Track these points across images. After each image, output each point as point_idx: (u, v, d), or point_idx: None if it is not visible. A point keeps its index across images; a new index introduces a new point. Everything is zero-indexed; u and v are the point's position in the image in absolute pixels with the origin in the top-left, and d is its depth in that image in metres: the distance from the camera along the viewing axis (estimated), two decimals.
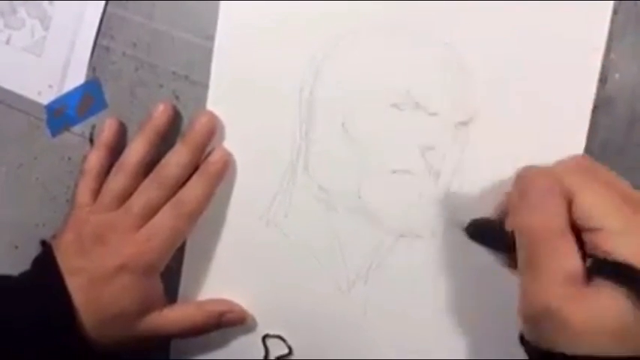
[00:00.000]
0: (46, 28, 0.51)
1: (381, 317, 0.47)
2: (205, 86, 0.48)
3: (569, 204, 0.34)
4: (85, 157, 0.49)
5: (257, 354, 0.49)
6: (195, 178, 0.47)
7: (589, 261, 0.33)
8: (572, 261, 0.33)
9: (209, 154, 0.47)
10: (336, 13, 0.44)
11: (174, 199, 0.46)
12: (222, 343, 0.50)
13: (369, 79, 0.44)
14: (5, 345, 0.43)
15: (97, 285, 0.45)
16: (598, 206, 0.33)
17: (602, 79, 0.42)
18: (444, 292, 0.45)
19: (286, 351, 0.49)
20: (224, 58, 0.47)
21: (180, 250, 0.48)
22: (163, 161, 0.47)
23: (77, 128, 0.52)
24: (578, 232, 0.34)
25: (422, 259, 0.45)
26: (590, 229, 0.33)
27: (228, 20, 0.47)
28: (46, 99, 0.52)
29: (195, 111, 0.48)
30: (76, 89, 0.51)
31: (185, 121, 0.49)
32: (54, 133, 0.52)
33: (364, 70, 0.44)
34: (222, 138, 0.48)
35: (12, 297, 0.45)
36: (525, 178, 0.36)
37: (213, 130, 0.47)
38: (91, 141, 0.51)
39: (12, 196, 0.54)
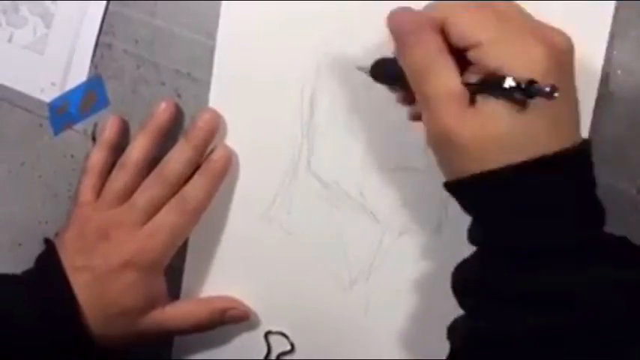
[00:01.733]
0: (48, 26, 0.51)
1: (382, 314, 0.47)
2: (207, 84, 0.48)
3: (443, 32, 0.36)
4: (87, 155, 0.49)
5: (259, 351, 0.49)
6: (197, 175, 0.47)
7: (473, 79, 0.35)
8: (453, 82, 0.35)
9: (211, 151, 0.47)
10: (338, 10, 0.44)
11: (177, 197, 0.46)
12: (225, 339, 0.50)
13: (370, 78, 0.44)
14: (9, 342, 0.44)
15: (100, 282, 0.45)
16: (470, 24, 0.35)
17: (604, 76, 0.42)
18: (445, 289, 0.45)
19: (288, 347, 0.49)
20: (226, 55, 0.47)
21: (183, 247, 0.48)
22: (166, 158, 0.47)
23: (79, 126, 0.52)
24: (462, 58, 0.35)
25: (423, 256, 0.45)
26: (468, 47, 0.35)
27: (230, 18, 0.47)
28: (48, 97, 0.52)
29: (197, 109, 0.48)
30: (79, 87, 0.51)
31: (187, 119, 0.49)
32: (56, 131, 0.52)
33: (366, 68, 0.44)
34: (224, 135, 0.48)
35: (16, 295, 0.45)
36: (393, 20, 0.37)
37: (216, 128, 0.47)
38: (94, 139, 0.51)
39: (15, 194, 0.54)
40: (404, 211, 0.45)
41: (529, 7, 0.42)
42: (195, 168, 0.47)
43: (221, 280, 0.49)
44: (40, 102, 0.52)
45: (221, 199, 0.48)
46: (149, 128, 0.48)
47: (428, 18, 0.36)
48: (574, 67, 0.36)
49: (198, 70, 0.48)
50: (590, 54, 0.42)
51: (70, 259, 0.45)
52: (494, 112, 0.34)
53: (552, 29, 0.36)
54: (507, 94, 0.33)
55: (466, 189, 0.36)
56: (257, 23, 0.46)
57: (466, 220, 0.44)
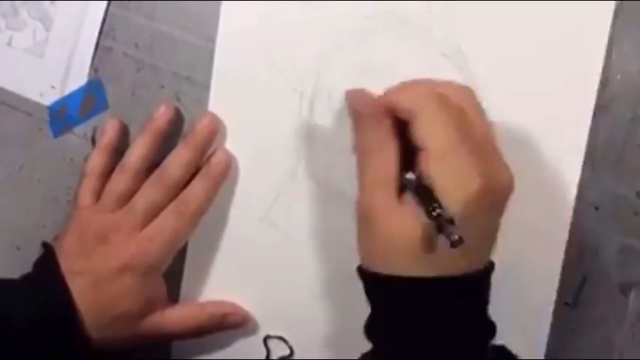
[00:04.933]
0: (48, 29, 0.51)
1: None
2: (207, 87, 0.48)
3: (407, 124, 0.37)
4: (86, 158, 0.49)
5: (258, 355, 0.49)
6: (197, 179, 0.47)
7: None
8: (391, 173, 0.37)
9: (211, 155, 0.47)
10: (338, 13, 0.45)
11: (176, 200, 0.46)
12: (224, 343, 0.50)
13: (370, 80, 0.44)
14: (8, 346, 0.43)
15: (99, 286, 0.45)
16: (429, 129, 0.36)
17: (604, 81, 0.42)
18: None
19: (288, 352, 0.49)
20: (225, 58, 0.47)
21: (182, 251, 0.48)
22: (165, 162, 0.47)
23: (79, 129, 0.52)
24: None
25: None
26: (419, 149, 0.36)
27: (230, 21, 0.47)
28: (48, 100, 0.52)
29: (196, 112, 0.48)
30: (78, 90, 0.51)
31: (187, 122, 0.49)
32: (56, 134, 0.52)
33: (366, 70, 0.45)
34: (223, 139, 0.48)
35: (14, 299, 0.45)
36: (351, 100, 0.41)
37: (215, 131, 0.47)
38: (93, 142, 0.51)
39: (14, 198, 0.54)
40: None
41: (530, 13, 0.42)
42: (194, 171, 0.47)
43: (220, 284, 0.49)
44: (39, 105, 0.52)
45: (220, 203, 0.48)
46: (148, 131, 0.48)
47: (386, 104, 0.38)
48: (505, 206, 0.37)
49: (197, 73, 0.48)
50: (589, 59, 0.42)
51: (69, 263, 0.45)
52: (414, 217, 0.35)
53: (501, 166, 0.36)
54: (427, 213, 0.34)
55: (372, 283, 0.37)
56: (257, 26, 0.46)
57: None
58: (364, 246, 0.38)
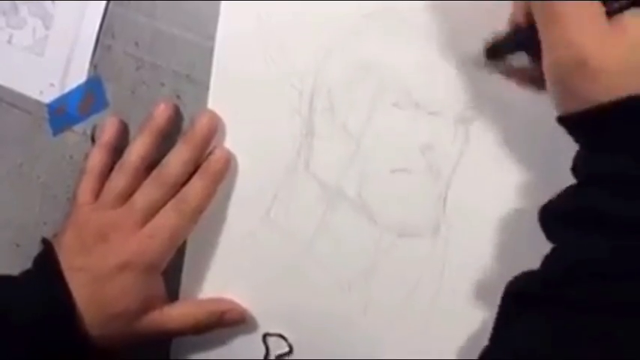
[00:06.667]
0: (48, 27, 0.51)
1: (381, 316, 0.47)
2: (206, 85, 0.48)
3: None
4: (86, 156, 0.49)
5: (257, 352, 0.49)
6: (196, 176, 0.47)
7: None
8: (589, 3, 0.32)
9: (210, 153, 0.47)
10: (338, 13, 0.45)
11: (176, 198, 0.46)
12: (223, 341, 0.50)
13: (369, 79, 0.44)
14: (6, 344, 0.44)
15: (98, 283, 0.45)
16: None
17: None
18: (444, 291, 0.45)
19: (286, 349, 0.49)
20: (225, 57, 0.47)
21: (181, 248, 0.48)
22: (165, 160, 0.47)
23: (79, 127, 0.52)
24: None
25: (422, 258, 0.45)
26: None
27: (229, 19, 0.47)
28: (47, 98, 0.52)
29: (196, 110, 0.48)
30: (78, 88, 0.51)
31: (186, 121, 0.49)
32: (55, 132, 0.52)
33: (365, 69, 0.45)
34: (223, 137, 0.48)
35: (13, 295, 0.45)
36: None
37: (215, 129, 0.47)
38: (93, 140, 0.51)
39: (13, 195, 0.54)
40: (402, 212, 0.45)
41: None
42: (194, 169, 0.47)
43: (219, 282, 0.49)
44: (39, 103, 0.52)
45: (219, 201, 0.48)
46: (148, 130, 0.48)
47: None
48: None
49: (197, 71, 0.48)
50: None
51: (68, 260, 0.45)
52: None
53: None
54: None
55: (602, 118, 0.32)
56: (256, 24, 0.46)
57: (464, 221, 0.44)
58: (577, 92, 0.32)
